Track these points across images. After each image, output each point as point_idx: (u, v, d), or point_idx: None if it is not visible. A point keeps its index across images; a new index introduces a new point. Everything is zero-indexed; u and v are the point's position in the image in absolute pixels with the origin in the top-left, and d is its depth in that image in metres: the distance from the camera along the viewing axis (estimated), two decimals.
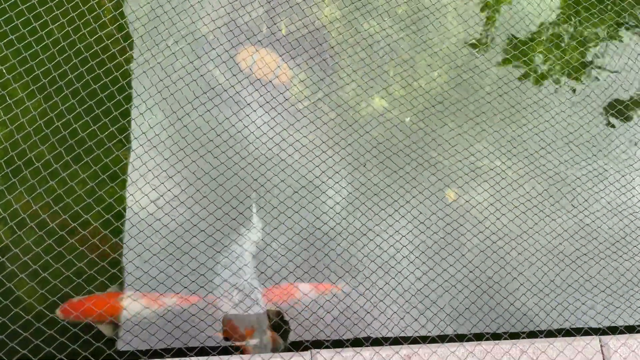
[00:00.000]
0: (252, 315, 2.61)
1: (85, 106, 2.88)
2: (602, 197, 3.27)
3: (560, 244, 3.00)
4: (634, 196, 3.27)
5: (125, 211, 2.90)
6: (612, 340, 2.30)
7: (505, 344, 2.27)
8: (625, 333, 2.40)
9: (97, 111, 2.90)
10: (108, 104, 2.92)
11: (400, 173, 3.14)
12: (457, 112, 3.40)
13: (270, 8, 3.32)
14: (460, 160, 3.27)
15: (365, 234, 2.90)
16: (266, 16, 3.32)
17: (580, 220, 3.14)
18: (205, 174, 2.88)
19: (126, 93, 3.10)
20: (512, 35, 3.67)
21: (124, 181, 2.96)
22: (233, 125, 3.03)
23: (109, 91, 2.95)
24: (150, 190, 2.82)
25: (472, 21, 3.60)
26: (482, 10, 3.74)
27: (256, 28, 3.27)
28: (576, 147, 3.39)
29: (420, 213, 3.03)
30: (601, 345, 2.27)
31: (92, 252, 2.73)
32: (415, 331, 2.56)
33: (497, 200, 3.12)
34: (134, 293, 2.56)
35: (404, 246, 2.92)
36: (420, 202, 3.06)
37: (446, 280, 2.77)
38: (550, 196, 3.20)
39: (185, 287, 2.64)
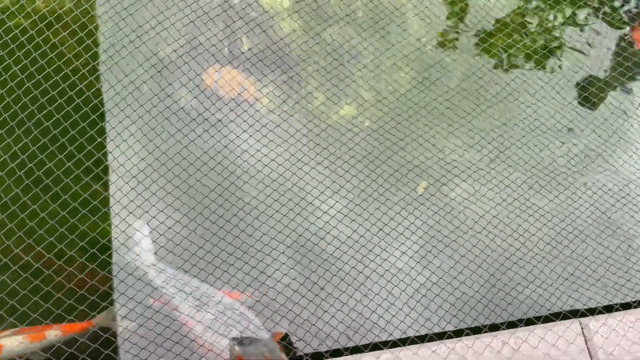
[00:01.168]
0: (259, 342, 2.39)
1: (57, 144, 2.91)
2: (576, 180, 3.29)
3: (539, 229, 3.01)
4: (612, 177, 3.28)
5: (110, 243, 2.92)
6: (592, 322, 2.31)
7: (485, 337, 2.28)
8: (605, 313, 2.41)
9: (70, 148, 2.93)
10: (80, 139, 2.95)
11: (384, 176, 3.17)
12: (428, 110, 3.42)
13: (229, 26, 3.34)
14: (441, 158, 3.29)
15: (350, 237, 2.93)
16: (227, 34, 3.34)
17: (557, 205, 3.16)
18: (190, 197, 2.91)
19: (99, 126, 3.13)
20: (479, 29, 3.69)
21: (106, 214, 2.98)
22: (210, 145, 3.07)
23: (80, 127, 2.99)
24: (134, 220, 2.86)
25: (433, 19, 3.62)
26: (450, 4, 3.75)
27: (218, 47, 3.29)
28: (545, 132, 3.41)
29: (398, 213, 3.06)
30: (582, 328, 2.29)
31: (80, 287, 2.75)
32: (390, 334, 2.56)
33: (474, 192, 3.14)
34: (11, 330, 2.55)
35: (383, 249, 2.95)
36: (408, 204, 3.08)
37: (427, 279, 2.80)
38: (524, 182, 3.22)
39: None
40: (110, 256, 2.83)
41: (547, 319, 2.46)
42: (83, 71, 3.13)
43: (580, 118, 3.51)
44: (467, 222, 3.05)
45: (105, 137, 3.11)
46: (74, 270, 2.74)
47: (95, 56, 3.23)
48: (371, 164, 3.26)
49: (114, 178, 2.98)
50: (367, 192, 3.12)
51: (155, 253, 2.82)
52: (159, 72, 3.14)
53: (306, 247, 2.94)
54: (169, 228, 2.85)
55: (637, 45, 3.62)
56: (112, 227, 2.87)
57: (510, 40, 3.68)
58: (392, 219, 3.05)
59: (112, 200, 2.93)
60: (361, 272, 2.87)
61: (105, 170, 2.99)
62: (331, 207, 3.05)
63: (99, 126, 3.09)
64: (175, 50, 3.25)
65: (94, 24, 3.25)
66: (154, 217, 2.83)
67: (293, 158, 3.14)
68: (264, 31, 3.40)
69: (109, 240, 2.84)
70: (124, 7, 3.19)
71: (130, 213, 2.82)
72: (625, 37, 3.73)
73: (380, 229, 3.03)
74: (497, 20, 3.75)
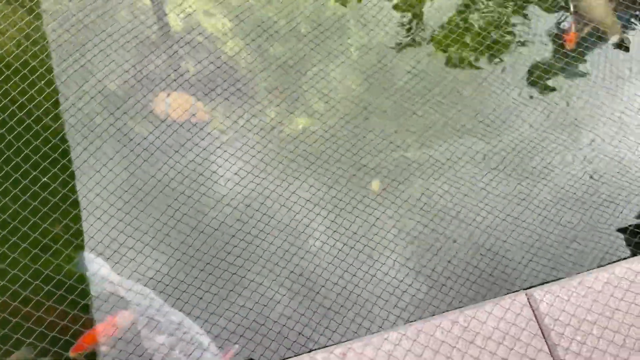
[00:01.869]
0: None
1: (20, 187, 3.00)
2: (527, 164, 3.37)
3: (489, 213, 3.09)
4: (562, 159, 3.37)
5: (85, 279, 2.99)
6: (536, 291, 2.36)
7: (435, 319, 2.33)
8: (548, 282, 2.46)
9: (33, 188, 3.03)
10: (44, 178, 3.05)
11: (341, 181, 3.25)
12: (380, 112, 3.52)
13: (175, 52, 3.47)
14: (395, 158, 3.38)
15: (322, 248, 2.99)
16: (173, 60, 3.47)
17: (515, 187, 3.24)
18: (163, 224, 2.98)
19: (61, 163, 3.23)
20: (425, 30, 3.82)
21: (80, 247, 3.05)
22: (164, 171, 3.17)
23: (42, 166, 3.09)
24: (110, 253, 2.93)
25: (374, 26, 3.75)
26: (394, 8, 3.89)
27: (165, 73, 3.42)
28: (493, 121, 3.51)
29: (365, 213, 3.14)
30: (527, 298, 2.33)
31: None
32: (347, 328, 2.61)
33: (430, 185, 3.23)
34: None
35: (334, 248, 3.01)
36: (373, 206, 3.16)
37: (379, 270, 2.86)
38: (479, 163, 3.30)
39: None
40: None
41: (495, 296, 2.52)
42: (37, 113, 3.25)
43: (520, 110, 3.62)
44: (424, 207, 3.12)
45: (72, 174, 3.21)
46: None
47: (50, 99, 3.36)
48: (328, 170, 3.34)
49: (84, 215, 3.07)
50: (327, 198, 3.21)
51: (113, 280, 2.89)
52: (111, 104, 3.27)
53: (288, 267, 3.02)
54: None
55: (568, 45, 3.77)
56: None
57: (454, 36, 3.80)
58: (352, 222, 3.13)
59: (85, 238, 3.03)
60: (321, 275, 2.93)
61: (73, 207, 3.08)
62: (296, 218, 3.13)
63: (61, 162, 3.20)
64: (126, 81, 3.37)
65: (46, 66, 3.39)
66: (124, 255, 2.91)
67: (252, 175, 3.24)
68: (211, 53, 3.52)
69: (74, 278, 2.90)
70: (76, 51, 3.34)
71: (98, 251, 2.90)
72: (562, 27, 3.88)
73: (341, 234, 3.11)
74: (444, 21, 3.88)
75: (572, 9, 3.88)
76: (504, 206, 3.15)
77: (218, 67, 3.50)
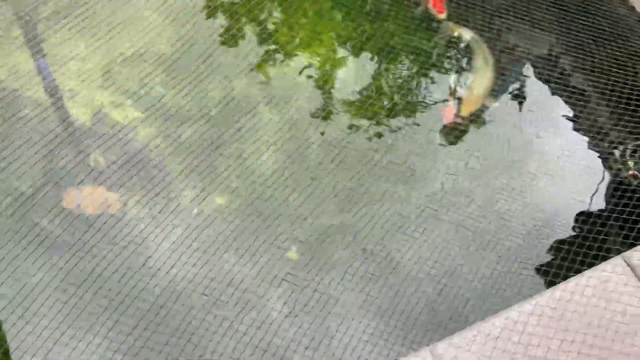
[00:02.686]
0: None
1: None
2: (440, 219, 3.56)
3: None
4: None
5: None
6: (439, 345, 2.46)
7: None
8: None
9: None
10: None
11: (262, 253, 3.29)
12: (298, 185, 3.64)
13: (85, 146, 3.49)
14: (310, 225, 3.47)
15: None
16: (84, 154, 3.48)
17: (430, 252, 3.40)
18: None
19: None
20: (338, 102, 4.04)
21: None
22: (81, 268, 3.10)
23: None
24: None
25: (284, 102, 3.95)
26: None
27: (75, 168, 3.41)
28: (406, 182, 3.73)
29: None
30: (431, 354, 2.41)
31: None
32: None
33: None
34: None
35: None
36: None
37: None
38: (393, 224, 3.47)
39: None
40: None
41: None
42: None
43: None
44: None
45: None
46: None
47: None
48: (251, 247, 3.38)
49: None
50: (252, 274, 3.24)
51: None
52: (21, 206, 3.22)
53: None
54: None
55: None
56: None
57: (366, 105, 4.03)
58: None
59: None
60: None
61: None
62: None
63: None
64: (35, 179, 3.33)
65: None
66: None
67: (172, 260, 3.22)
68: (124, 144, 3.56)
69: None
70: None
71: None
72: None
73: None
74: (354, 90, 4.12)
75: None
76: (418, 268, 3.30)
77: (132, 156, 3.53)
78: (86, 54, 3.85)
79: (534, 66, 4.39)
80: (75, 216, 3.26)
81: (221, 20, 4.27)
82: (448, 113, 4.01)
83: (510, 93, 4.26)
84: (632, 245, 2.94)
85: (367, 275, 3.30)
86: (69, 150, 3.42)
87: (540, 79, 4.36)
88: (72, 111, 3.66)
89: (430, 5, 4.37)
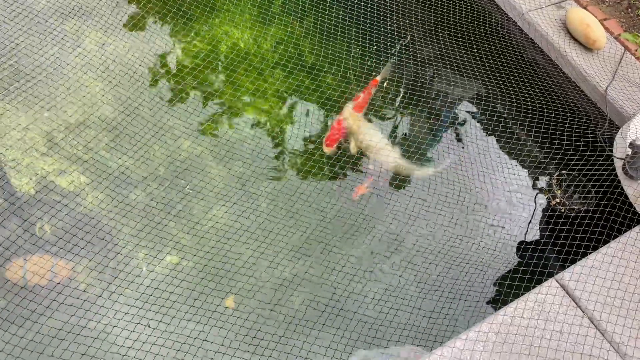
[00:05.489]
0: None
1: None
2: (381, 265, 3.67)
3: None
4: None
5: None
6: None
7: None
8: None
9: None
10: None
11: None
12: (245, 237, 3.70)
13: (30, 215, 3.46)
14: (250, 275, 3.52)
15: None
16: (27, 224, 3.44)
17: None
18: None
19: None
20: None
21: None
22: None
23: None
24: None
25: (228, 158, 4.05)
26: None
27: (20, 238, 3.36)
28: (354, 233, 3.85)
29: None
30: None
31: None
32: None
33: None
34: None
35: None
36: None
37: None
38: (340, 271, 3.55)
39: None
40: None
41: None
42: None
43: None
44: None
45: None
46: None
47: None
48: (206, 302, 3.38)
49: None
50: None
51: None
52: None
53: None
54: None
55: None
56: None
57: (306, 157, 4.17)
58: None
59: None
60: None
61: None
62: None
63: None
64: None
65: None
66: None
67: (124, 322, 3.18)
68: (70, 210, 3.54)
69: None
70: None
71: None
72: None
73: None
74: (299, 145, 4.27)
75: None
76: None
77: (79, 221, 3.52)
78: (28, 124, 3.87)
79: (465, 111, 4.70)
80: (19, 287, 3.19)
81: (164, 82, 4.40)
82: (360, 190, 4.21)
83: (443, 136, 4.54)
84: (563, 268, 3.13)
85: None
86: (13, 221, 3.38)
87: (474, 119, 4.67)
88: (16, 182, 3.65)
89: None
